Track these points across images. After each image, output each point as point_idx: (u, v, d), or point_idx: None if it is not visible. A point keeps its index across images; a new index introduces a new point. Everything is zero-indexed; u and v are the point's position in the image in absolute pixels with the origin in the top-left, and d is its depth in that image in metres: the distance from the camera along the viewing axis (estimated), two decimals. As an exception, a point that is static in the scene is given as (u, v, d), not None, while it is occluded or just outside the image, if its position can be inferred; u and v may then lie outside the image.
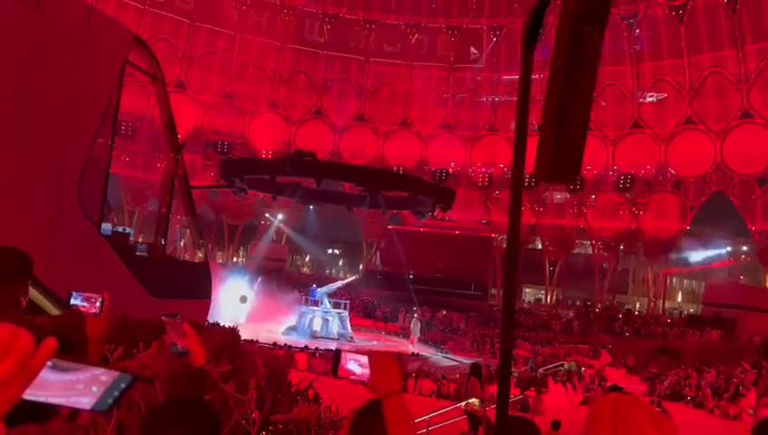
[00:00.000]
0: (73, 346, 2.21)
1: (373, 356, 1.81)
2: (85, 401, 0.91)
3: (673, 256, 45.78)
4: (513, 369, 24.86)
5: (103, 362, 2.22)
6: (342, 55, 53.57)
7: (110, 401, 0.93)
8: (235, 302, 29.14)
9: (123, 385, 0.93)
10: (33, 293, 7.38)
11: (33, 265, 2.28)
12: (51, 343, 0.82)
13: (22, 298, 2.19)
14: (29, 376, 0.80)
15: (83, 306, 2.28)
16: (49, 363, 0.85)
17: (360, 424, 2.22)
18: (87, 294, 2.30)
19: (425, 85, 52.98)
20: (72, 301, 2.28)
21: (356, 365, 1.91)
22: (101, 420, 2.85)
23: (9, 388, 0.77)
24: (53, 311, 6.05)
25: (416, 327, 30.54)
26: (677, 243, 44.66)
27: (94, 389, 0.91)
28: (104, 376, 0.92)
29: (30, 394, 0.83)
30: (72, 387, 0.90)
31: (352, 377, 1.91)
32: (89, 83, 9.89)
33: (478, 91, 52.04)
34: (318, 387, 8.46)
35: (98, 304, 2.28)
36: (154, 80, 12.82)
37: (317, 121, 52.65)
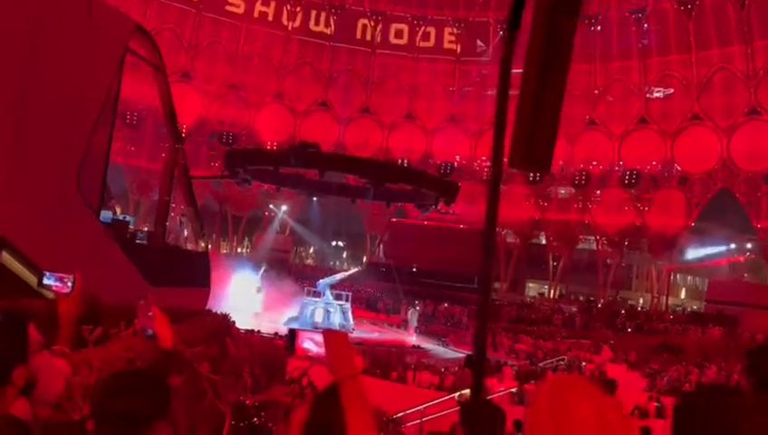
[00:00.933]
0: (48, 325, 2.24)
1: (327, 337, 1.79)
2: None
3: (677, 252, 45.60)
4: (513, 362, 24.89)
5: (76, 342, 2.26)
6: (348, 47, 53.46)
7: None
8: (251, 292, 29.64)
9: None
10: (18, 266, 7.48)
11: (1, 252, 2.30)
12: None
13: None
14: None
15: (56, 286, 2.31)
16: None
17: (320, 405, 2.25)
18: (59, 275, 2.33)
19: (430, 78, 52.82)
20: (45, 281, 2.31)
21: (311, 344, 1.93)
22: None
23: None
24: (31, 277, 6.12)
25: (413, 318, 30.80)
26: (682, 239, 44.50)
27: None
28: None
29: None
30: None
31: (309, 354, 1.93)
32: (89, 71, 9.92)
33: (484, 84, 51.84)
34: (314, 375, 8.53)
35: (69, 283, 2.31)
36: (155, 69, 12.85)
37: (322, 113, 52.62)
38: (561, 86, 2.79)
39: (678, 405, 1.38)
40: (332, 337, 1.79)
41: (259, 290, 30.90)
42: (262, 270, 34.41)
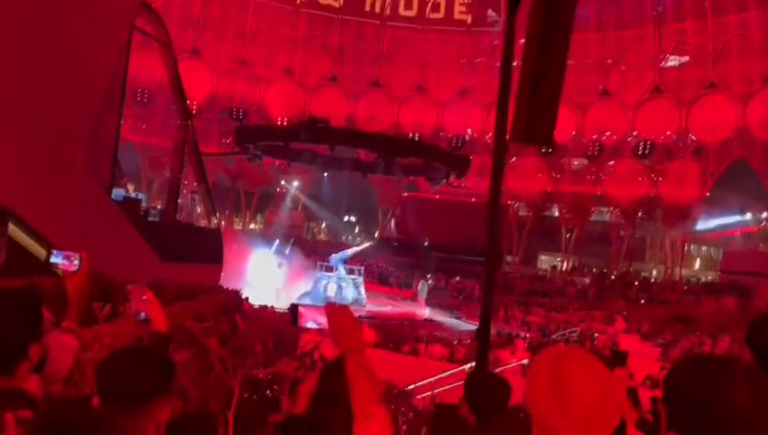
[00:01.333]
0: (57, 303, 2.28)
1: (330, 311, 1.79)
2: None
3: (691, 223, 45.18)
4: (525, 335, 25.01)
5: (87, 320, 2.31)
6: (357, 20, 52.87)
7: None
8: (272, 268, 30.10)
9: None
10: (29, 241, 7.59)
11: (6, 223, 2.33)
12: None
13: None
14: None
15: (63, 264, 2.34)
16: None
17: (326, 376, 2.29)
18: (66, 253, 2.35)
19: (441, 50, 52.18)
20: (52, 259, 2.34)
21: (314, 319, 1.96)
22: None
23: None
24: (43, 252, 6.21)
25: (423, 290, 31.11)
26: (696, 210, 44.06)
27: None
28: None
29: None
30: None
31: (312, 326, 1.96)
32: (96, 50, 9.92)
33: (496, 55, 51.14)
34: (326, 348, 8.62)
35: (76, 261, 2.33)
36: (162, 46, 12.82)
37: (332, 88, 52.29)
38: (561, 60, 2.76)
39: (669, 374, 1.39)
40: (335, 311, 1.78)
41: (280, 265, 31.30)
42: (275, 246, 34.63)
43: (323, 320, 1.81)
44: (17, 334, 1.72)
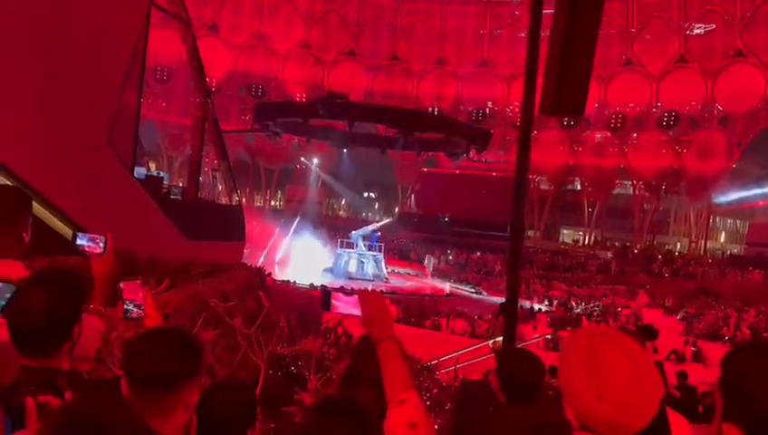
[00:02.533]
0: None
1: (363, 298, 1.79)
2: None
3: (716, 195, 44.44)
4: (547, 308, 24.93)
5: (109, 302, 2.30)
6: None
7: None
8: (318, 247, 31.15)
9: (8, 294, 1.02)
10: (54, 221, 7.68)
11: (31, 201, 2.32)
12: None
13: (24, 235, 2.25)
14: None
15: (88, 247, 2.33)
16: None
17: (354, 354, 2.27)
18: (91, 235, 2.35)
19: (460, 22, 51.43)
20: (78, 241, 2.34)
21: (347, 309, 1.94)
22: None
23: None
24: (68, 232, 6.27)
25: (429, 263, 31.79)
26: (721, 182, 43.30)
27: None
28: None
29: None
30: None
31: (342, 310, 1.94)
32: (114, 27, 9.89)
33: (517, 26, 50.28)
34: (349, 324, 8.67)
35: (101, 244, 2.33)
36: (180, 22, 12.77)
37: (350, 62, 51.93)
38: (593, 28, 2.64)
39: (727, 359, 1.30)
40: (368, 298, 1.79)
41: (324, 245, 32.60)
42: (295, 223, 34.87)
43: (356, 310, 1.80)
44: (69, 313, 1.73)
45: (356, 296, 1.83)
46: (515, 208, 3.21)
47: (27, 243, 2.22)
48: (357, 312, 1.81)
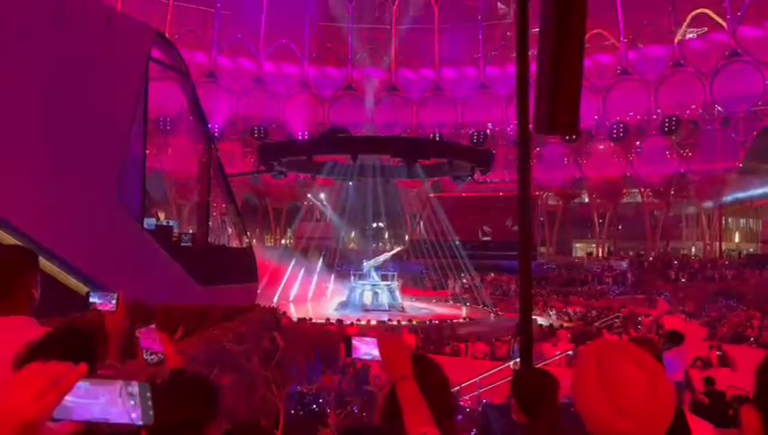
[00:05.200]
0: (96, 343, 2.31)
1: (381, 340, 1.87)
2: (135, 416, 1.02)
3: (726, 195, 44.13)
4: (566, 325, 24.67)
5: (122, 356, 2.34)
6: (369, 26, 53.11)
7: (150, 412, 1.02)
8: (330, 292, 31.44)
9: (149, 394, 1.01)
10: (66, 276, 7.75)
11: (37, 258, 2.36)
12: (83, 367, 0.94)
13: (33, 291, 2.28)
14: (61, 391, 0.93)
15: (100, 304, 2.39)
16: (86, 383, 0.96)
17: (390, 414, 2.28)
18: (103, 293, 2.42)
19: (454, 47, 52.07)
20: (91, 299, 2.40)
21: (366, 349, 1.96)
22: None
23: (43, 399, 0.92)
24: (83, 289, 6.33)
25: (452, 286, 32.34)
26: (730, 182, 43.04)
27: (131, 402, 1.01)
28: (131, 387, 1.01)
29: (83, 415, 0.97)
30: (114, 402, 1.00)
31: (365, 356, 1.96)
32: (115, 83, 10.13)
33: (509, 46, 50.83)
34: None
35: (113, 301, 2.39)
36: (179, 74, 13.04)
37: (349, 97, 52.52)
38: (579, 45, 2.71)
39: (764, 365, 1.31)
40: (386, 339, 1.87)
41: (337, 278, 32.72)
42: (306, 260, 34.92)
43: (376, 352, 1.87)
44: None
45: (374, 339, 1.90)
46: (521, 227, 3.25)
47: (36, 299, 2.26)
48: (377, 353, 1.87)
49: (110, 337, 2.27)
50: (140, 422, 1.01)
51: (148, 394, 1.01)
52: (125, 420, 1.00)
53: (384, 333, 1.93)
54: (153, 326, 2.34)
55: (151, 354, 2.28)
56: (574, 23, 2.64)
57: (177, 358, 2.24)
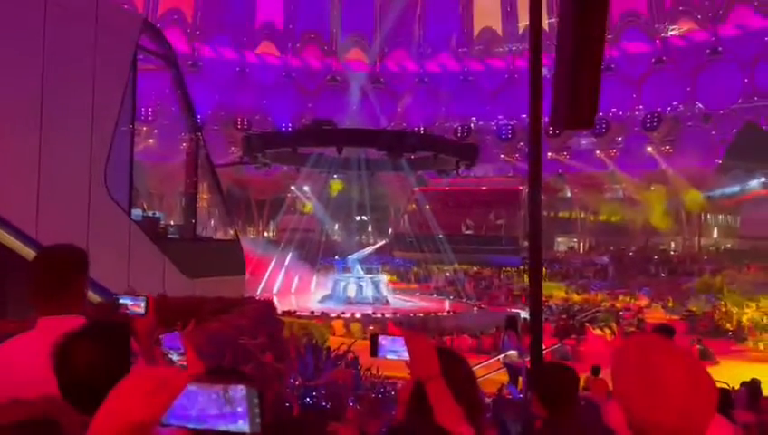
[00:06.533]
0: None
1: (409, 340, 1.85)
2: (242, 425, 0.94)
3: (707, 191, 44.79)
4: (548, 318, 24.92)
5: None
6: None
7: (258, 420, 0.94)
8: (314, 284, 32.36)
9: (256, 400, 0.95)
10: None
11: (87, 256, 2.36)
12: (192, 370, 0.91)
13: (86, 291, 2.32)
14: (171, 393, 0.93)
15: (131, 306, 2.38)
16: (193, 387, 0.92)
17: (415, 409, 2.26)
18: (132, 296, 2.41)
19: (438, 40, 52.01)
20: (121, 301, 2.40)
21: (393, 349, 1.94)
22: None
23: (152, 401, 0.93)
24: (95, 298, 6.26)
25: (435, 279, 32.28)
26: (710, 178, 43.68)
27: (238, 408, 0.94)
28: (235, 392, 0.94)
29: (194, 421, 0.92)
30: (221, 406, 0.94)
31: (390, 355, 1.94)
32: (103, 73, 9.97)
33: (495, 41, 50.94)
34: (358, 350, 8.60)
35: (143, 304, 2.38)
36: (167, 62, 12.87)
37: (333, 89, 52.27)
38: (600, 40, 2.70)
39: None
40: (413, 339, 1.85)
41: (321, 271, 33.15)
42: (290, 252, 34.80)
43: (404, 350, 1.86)
44: (115, 369, 1.72)
45: (401, 337, 1.89)
46: (532, 221, 3.25)
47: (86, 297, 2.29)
48: (405, 354, 1.86)
49: (141, 341, 2.25)
50: (248, 430, 0.93)
51: (256, 400, 0.94)
52: (230, 427, 0.93)
53: (410, 332, 1.93)
54: (176, 330, 2.32)
55: (176, 357, 2.26)
56: (594, 18, 2.63)
57: (200, 364, 2.22)
